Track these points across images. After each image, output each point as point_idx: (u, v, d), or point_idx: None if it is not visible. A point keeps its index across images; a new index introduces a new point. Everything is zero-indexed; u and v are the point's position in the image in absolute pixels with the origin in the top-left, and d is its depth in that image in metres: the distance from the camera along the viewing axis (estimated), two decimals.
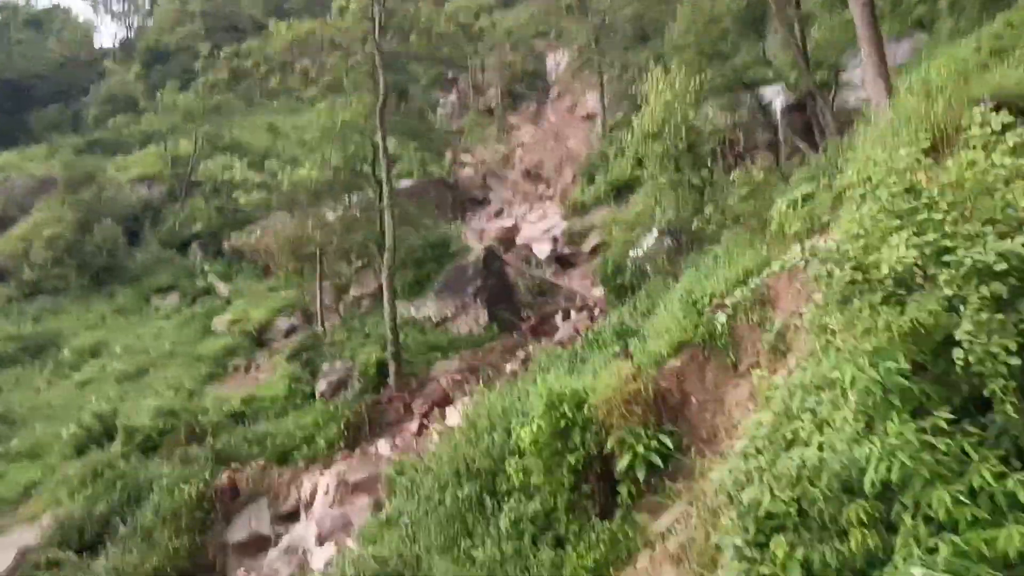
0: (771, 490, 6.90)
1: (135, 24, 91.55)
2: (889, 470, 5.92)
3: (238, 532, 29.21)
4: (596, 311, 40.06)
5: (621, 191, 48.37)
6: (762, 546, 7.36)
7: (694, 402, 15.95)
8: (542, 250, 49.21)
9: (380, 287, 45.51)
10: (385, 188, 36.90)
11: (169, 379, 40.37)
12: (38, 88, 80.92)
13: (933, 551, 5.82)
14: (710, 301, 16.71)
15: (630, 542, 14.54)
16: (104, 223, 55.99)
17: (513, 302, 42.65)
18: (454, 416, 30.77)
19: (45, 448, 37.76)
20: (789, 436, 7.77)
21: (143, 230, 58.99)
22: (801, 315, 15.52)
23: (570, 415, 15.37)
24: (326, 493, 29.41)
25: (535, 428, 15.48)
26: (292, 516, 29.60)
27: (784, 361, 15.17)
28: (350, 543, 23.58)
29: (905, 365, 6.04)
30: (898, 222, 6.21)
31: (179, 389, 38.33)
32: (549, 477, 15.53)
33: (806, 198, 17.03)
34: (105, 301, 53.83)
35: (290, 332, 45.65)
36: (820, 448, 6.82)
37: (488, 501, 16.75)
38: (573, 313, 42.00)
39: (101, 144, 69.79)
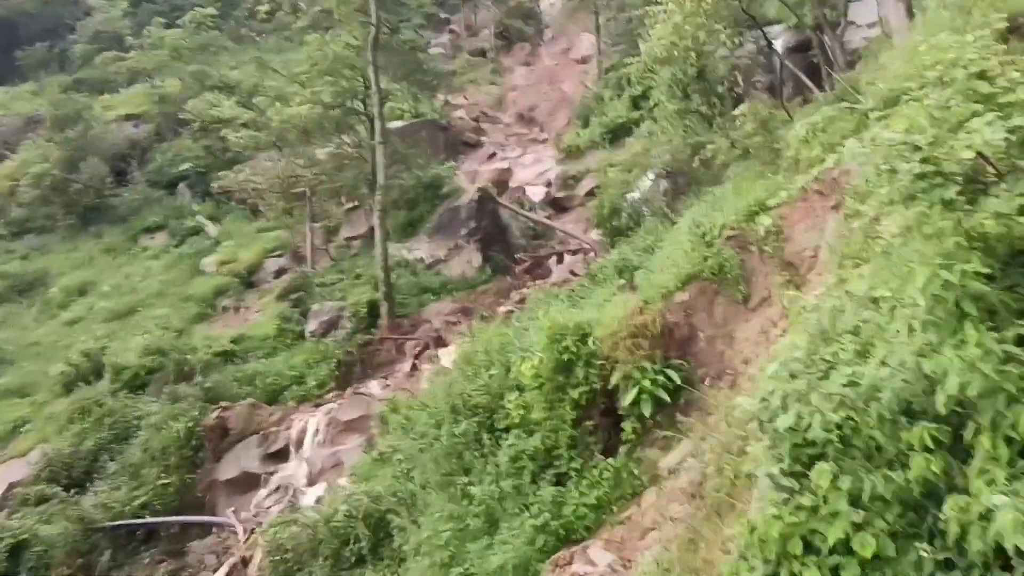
0: (820, 413, 6.31)
1: None
2: (966, 386, 5.34)
3: (227, 471, 28.81)
4: (591, 254, 39.45)
5: (617, 134, 47.69)
6: (799, 476, 6.82)
7: (702, 337, 15.45)
8: (536, 193, 48.51)
9: (371, 228, 44.81)
10: (377, 124, 36.11)
11: (158, 318, 39.71)
12: (24, 26, 79.10)
13: (1016, 477, 5.26)
14: (720, 233, 16.12)
15: (635, 480, 14.12)
16: (91, 162, 54.95)
17: (507, 244, 42.07)
18: (447, 357, 30.30)
19: (33, 386, 37.40)
20: (828, 358, 7.18)
21: (130, 169, 57.87)
22: (816, 248, 15.07)
23: (573, 349, 14.84)
24: (316, 433, 28.98)
25: (537, 362, 14.96)
26: (282, 455, 29.18)
27: (798, 296, 14.66)
28: (342, 481, 23.20)
29: (983, 269, 5.43)
30: (977, 107, 5.59)
31: (168, 328, 37.66)
32: (550, 413, 15.05)
33: (827, 122, 16.32)
34: (93, 240, 53.07)
35: (280, 273, 44.98)
36: (883, 363, 6.22)
37: (486, 438, 16.25)
38: (567, 256, 41.50)
39: (88, 83, 68.34)
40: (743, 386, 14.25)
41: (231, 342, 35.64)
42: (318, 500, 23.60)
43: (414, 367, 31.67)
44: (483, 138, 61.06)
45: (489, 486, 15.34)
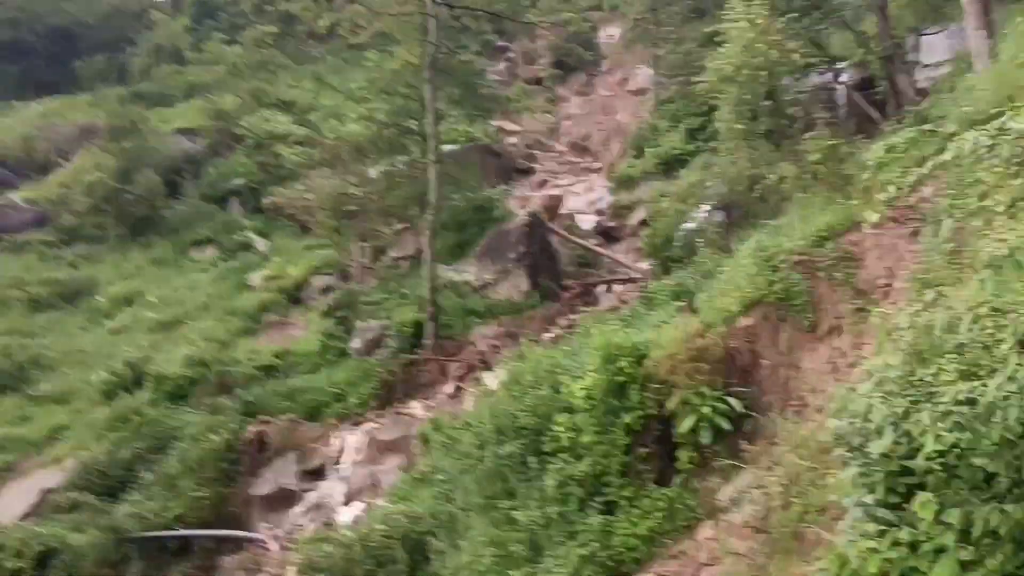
0: (931, 434, 5.56)
1: None
2: None
3: (263, 486, 28.29)
4: (642, 284, 38.71)
5: (671, 165, 47.07)
6: (893, 507, 6.07)
7: (765, 364, 14.69)
8: (586, 222, 48.09)
9: (420, 249, 44.43)
10: (431, 143, 35.72)
11: (202, 330, 39.48)
12: (85, 37, 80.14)
13: None
14: (786, 257, 15.36)
15: (690, 512, 13.38)
16: (145, 173, 55.19)
17: (555, 271, 41.42)
18: (492, 381, 29.66)
19: (74, 393, 37.11)
20: (928, 378, 6.44)
21: (183, 182, 58.06)
22: (892, 273, 14.27)
23: (629, 370, 14.16)
24: (356, 451, 28.44)
25: (590, 382, 14.26)
26: (319, 473, 28.67)
27: (871, 326, 13.86)
28: (380, 500, 22.57)
29: None
30: None
31: (211, 340, 37.39)
32: (601, 437, 14.35)
33: (908, 144, 15.56)
34: (142, 251, 53.08)
35: (326, 291, 44.52)
36: (1010, 378, 5.47)
37: (532, 461, 15.55)
38: (616, 286, 40.90)
39: (145, 95, 68.93)
40: (811, 417, 13.48)
41: (274, 356, 35.26)
42: (355, 520, 22.96)
43: (457, 389, 31.02)
44: (535, 165, 60.65)
45: (534, 511, 14.65)
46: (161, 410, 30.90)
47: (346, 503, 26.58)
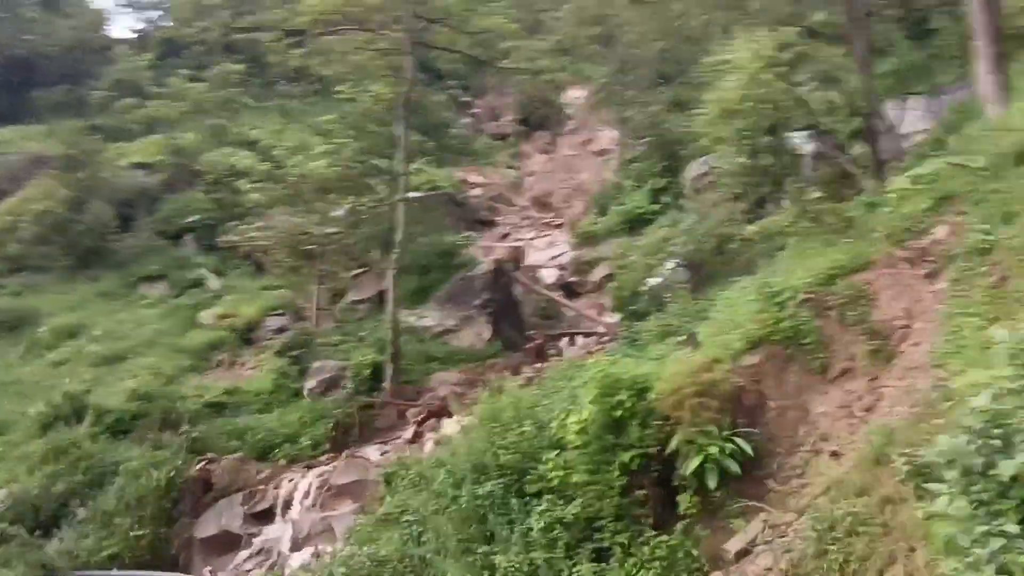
0: None
1: (153, 18, 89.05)
2: None
3: (207, 528, 26.61)
4: (606, 338, 37.97)
5: (634, 223, 46.81)
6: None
7: (772, 407, 13.67)
8: (548, 276, 47.51)
9: (379, 293, 43.39)
10: (401, 181, 34.75)
11: (148, 365, 37.75)
12: (45, 68, 78.14)
13: None
14: (793, 296, 14.48)
15: (693, 561, 12.19)
16: (96, 205, 53.54)
17: (518, 321, 40.55)
18: (452, 428, 28.42)
19: (10, 425, 35.03)
20: None
21: (137, 216, 56.42)
22: (910, 314, 13.43)
23: (628, 404, 13.03)
24: (307, 495, 26.87)
25: (585, 415, 13.11)
26: (267, 516, 27.02)
27: (887, 367, 12.99)
28: (338, 544, 21.05)
29: None
30: None
31: (158, 374, 35.68)
32: (595, 476, 13.17)
33: (932, 176, 14.90)
34: (89, 284, 51.22)
35: (280, 332, 43.16)
36: None
37: (514, 502, 14.30)
38: (580, 338, 40.08)
39: (103, 129, 66.98)
40: (824, 463, 12.49)
41: (223, 393, 33.72)
42: (304, 566, 21.40)
43: (417, 435, 29.67)
44: (497, 218, 60.32)
45: (516, 556, 13.38)
46: (101, 445, 29.01)
47: (294, 549, 24.97)
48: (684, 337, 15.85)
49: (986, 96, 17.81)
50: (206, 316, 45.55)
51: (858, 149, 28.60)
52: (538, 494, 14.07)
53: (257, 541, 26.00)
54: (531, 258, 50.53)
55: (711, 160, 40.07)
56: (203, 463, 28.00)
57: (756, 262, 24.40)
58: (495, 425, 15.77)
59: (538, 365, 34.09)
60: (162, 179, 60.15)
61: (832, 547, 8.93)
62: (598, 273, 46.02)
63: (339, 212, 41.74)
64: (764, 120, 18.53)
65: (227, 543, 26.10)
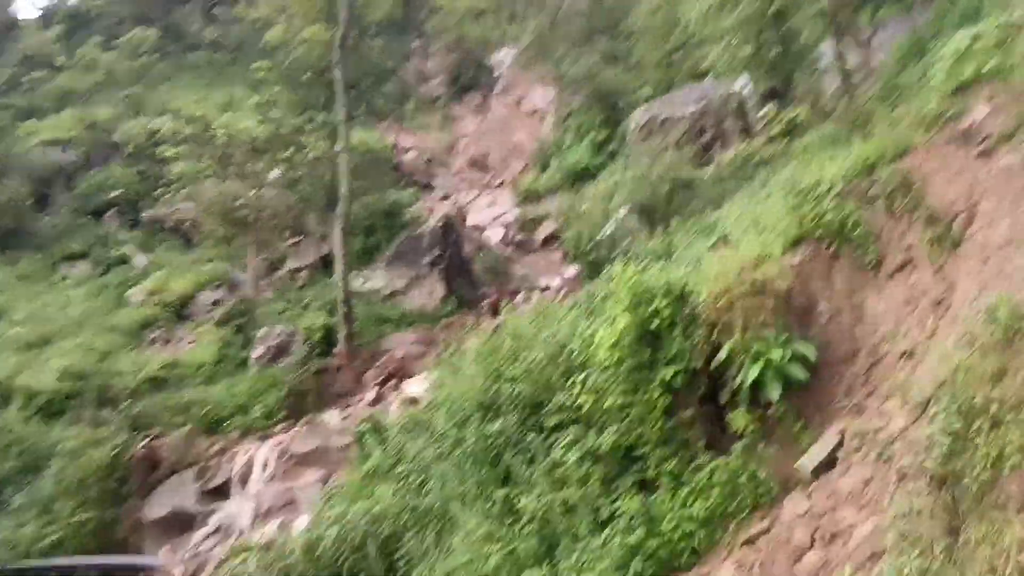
0: None
1: None
2: None
3: (157, 508, 24.38)
4: (562, 291, 36.39)
5: (578, 178, 45.43)
6: None
7: (823, 309, 12.00)
8: (494, 236, 45.73)
9: (321, 258, 41.26)
10: (341, 130, 32.51)
11: (79, 344, 34.94)
12: None
13: None
14: (830, 189, 12.81)
15: (759, 484, 10.48)
16: (10, 184, 50.09)
17: (471, 278, 38.63)
18: (415, 388, 26.53)
19: None
20: None
21: (54, 195, 53.08)
22: (970, 196, 11.89)
23: (667, 312, 11.23)
24: (265, 466, 24.73)
25: (621, 327, 11.27)
26: (222, 492, 24.86)
27: (955, 254, 11.42)
28: (304, 515, 19.04)
29: None
30: None
31: (90, 351, 32.98)
32: (632, 398, 11.35)
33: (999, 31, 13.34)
34: (7, 266, 47.82)
35: (216, 305, 40.61)
36: None
37: (532, 438, 12.44)
38: (537, 293, 38.37)
39: (14, 108, 63.39)
40: (896, 366, 10.91)
41: (163, 367, 31.25)
42: (268, 544, 19.30)
43: (379, 397, 27.65)
44: (434, 181, 58.44)
45: (542, 496, 11.54)
46: (33, 427, 26.46)
47: (256, 524, 22.80)
48: (714, 240, 14.11)
49: None
50: (135, 293, 42.70)
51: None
52: (559, 426, 12.25)
53: (214, 519, 23.84)
54: (473, 219, 48.78)
55: (654, 107, 39.00)
56: (148, 440, 25.63)
57: (728, 194, 23.10)
58: (496, 359, 13.89)
59: (495, 323, 32.40)
60: (79, 155, 56.86)
61: (977, 440, 7.30)
62: (544, 230, 44.84)
63: (273, 174, 39.44)
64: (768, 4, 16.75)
65: (181, 523, 23.90)
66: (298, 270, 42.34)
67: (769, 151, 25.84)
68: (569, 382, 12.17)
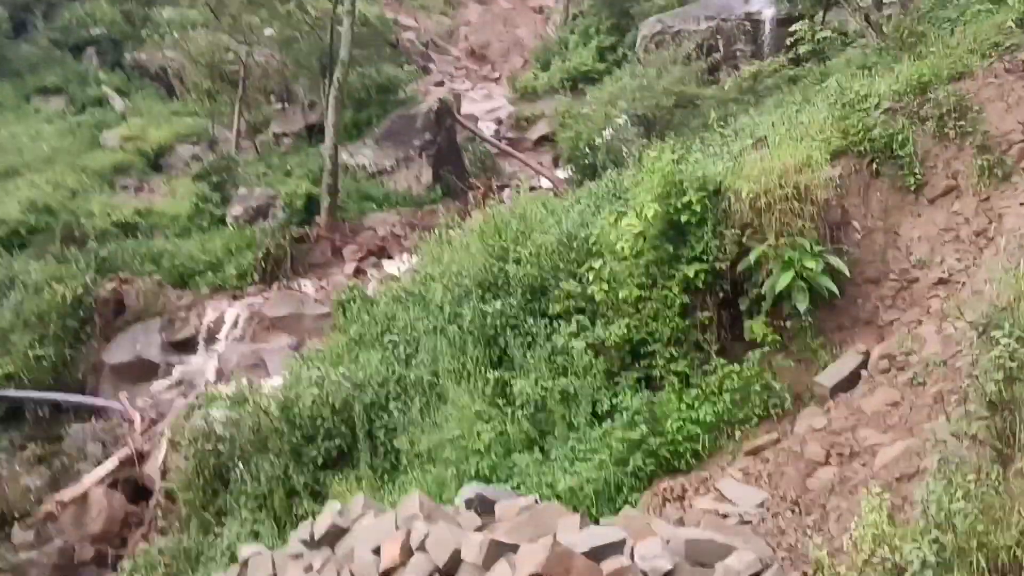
0: None
1: None
2: None
3: (119, 353, 23.64)
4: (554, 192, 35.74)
5: (578, 82, 44.27)
6: None
7: (857, 227, 11.44)
8: (485, 129, 44.64)
9: (307, 127, 39.95)
10: None
11: (48, 178, 33.70)
12: None
13: None
14: (879, 103, 12.14)
15: (773, 395, 10.03)
16: None
17: (460, 167, 37.61)
18: (395, 268, 25.89)
19: None
20: None
21: (33, 22, 50.79)
22: None
23: (698, 208, 10.60)
24: (235, 325, 24.09)
25: (648, 215, 10.62)
26: (188, 346, 24.19)
27: (1004, 186, 10.86)
28: (276, 376, 18.52)
29: None
30: None
31: (59, 187, 31.82)
32: (650, 292, 10.79)
33: None
34: None
35: (194, 160, 39.36)
36: None
37: (532, 322, 11.87)
38: (525, 190, 37.55)
39: None
40: (925, 294, 10.42)
41: (136, 213, 30.21)
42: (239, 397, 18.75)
43: (358, 271, 27.00)
44: (431, 65, 56.95)
45: (538, 383, 11.04)
46: None
47: (219, 381, 22.23)
48: (753, 141, 13.38)
49: None
50: (110, 137, 41.20)
51: None
52: (564, 314, 11.69)
53: (177, 371, 23.24)
54: (467, 109, 47.62)
55: (665, 18, 37.93)
56: (116, 283, 24.82)
57: (732, 116, 22.43)
58: (502, 238, 13.24)
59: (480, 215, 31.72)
60: None
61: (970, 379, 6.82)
62: (538, 130, 43.80)
63: (268, 32, 37.91)
64: None
65: (142, 371, 23.25)
66: (283, 136, 41.03)
67: (791, 71, 25.11)
68: (581, 269, 11.58)
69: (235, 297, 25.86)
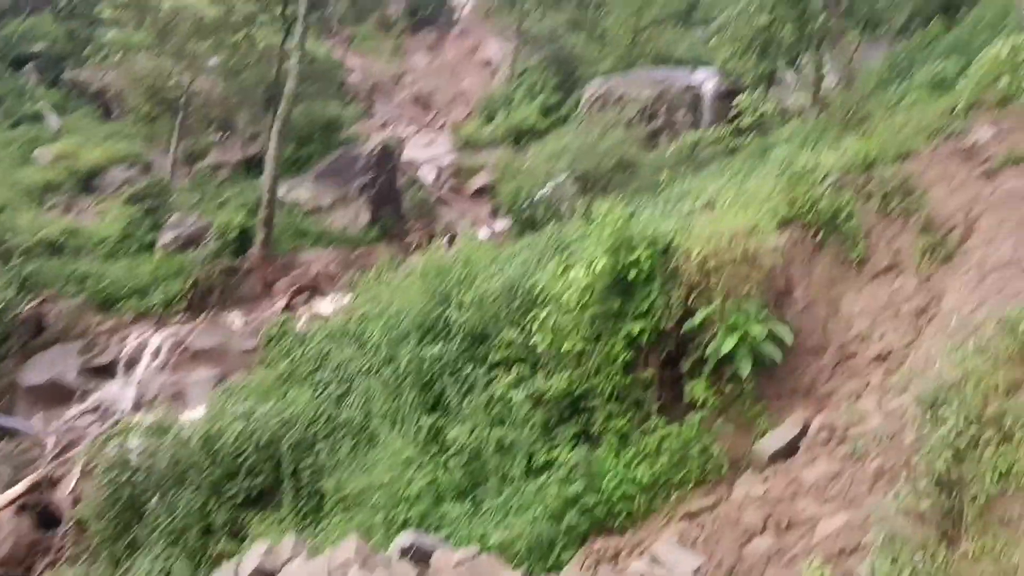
0: None
1: None
2: None
3: (35, 374, 22.82)
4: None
5: (522, 136, 44.80)
6: None
7: (798, 296, 11.49)
8: (426, 176, 44.73)
9: (244, 159, 39.47)
10: (299, 27, 30.91)
11: None
12: None
13: None
14: (825, 177, 12.30)
15: (710, 459, 9.93)
16: None
17: (399, 210, 37.44)
18: (327, 307, 25.53)
19: None
20: None
21: None
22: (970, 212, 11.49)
23: (647, 264, 10.55)
24: (157, 354, 23.40)
25: (598, 268, 10.54)
26: (106, 371, 23.42)
27: (949, 267, 11.02)
28: (197, 408, 17.94)
29: None
30: None
31: None
32: (593, 347, 10.67)
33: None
34: None
35: (127, 184, 38.52)
36: None
37: (473, 370, 11.66)
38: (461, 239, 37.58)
39: None
40: (867, 367, 10.47)
41: (63, 232, 29.32)
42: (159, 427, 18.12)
43: (289, 306, 26.51)
44: (375, 108, 57.00)
45: (474, 431, 10.80)
46: None
47: (136, 410, 21.54)
48: (702, 201, 13.41)
49: None
50: (43, 154, 40.26)
51: None
52: (504, 362, 11.50)
53: (94, 396, 22.47)
54: (408, 154, 47.63)
55: (610, 82, 38.55)
56: (36, 302, 24.01)
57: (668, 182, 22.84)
58: (444, 282, 13.05)
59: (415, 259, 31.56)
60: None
61: (986, 451, 6.79)
62: (478, 180, 44.02)
63: (213, 61, 37.49)
64: None
65: (58, 394, 22.41)
66: (220, 166, 40.44)
67: (731, 141, 25.62)
68: (525, 319, 11.42)
69: (160, 325, 25.19)
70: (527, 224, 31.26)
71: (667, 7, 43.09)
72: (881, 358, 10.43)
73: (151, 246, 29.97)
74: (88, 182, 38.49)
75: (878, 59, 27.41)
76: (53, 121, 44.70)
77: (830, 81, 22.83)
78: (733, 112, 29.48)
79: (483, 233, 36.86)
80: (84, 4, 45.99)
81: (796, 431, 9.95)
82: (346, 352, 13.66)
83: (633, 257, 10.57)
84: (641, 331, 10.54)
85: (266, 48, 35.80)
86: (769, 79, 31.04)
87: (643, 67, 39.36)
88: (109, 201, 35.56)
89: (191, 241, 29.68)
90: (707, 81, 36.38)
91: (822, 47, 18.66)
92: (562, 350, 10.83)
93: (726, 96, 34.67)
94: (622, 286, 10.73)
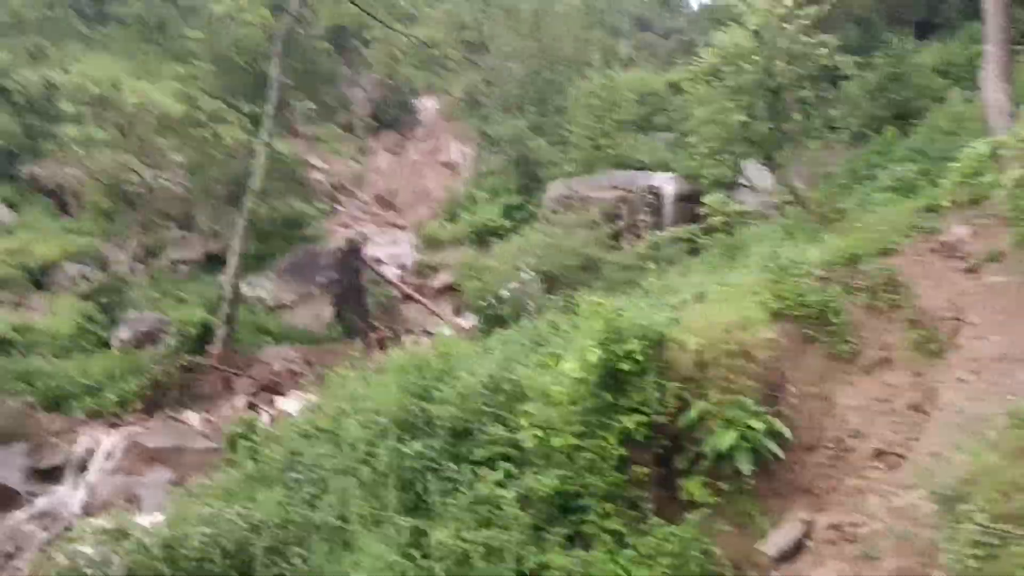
0: None
1: None
2: None
3: None
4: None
5: (484, 236, 44.88)
6: None
7: (791, 392, 11.11)
8: (388, 275, 44.54)
9: (204, 255, 38.99)
10: (267, 123, 30.79)
11: None
12: None
13: None
14: (810, 272, 12.10)
15: (712, 560, 9.38)
16: None
17: (363, 308, 37.00)
18: (290, 406, 24.75)
19: None
20: None
21: None
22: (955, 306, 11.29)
23: (640, 357, 10.13)
24: (109, 456, 22.39)
25: (591, 361, 10.09)
26: (53, 475, 22.34)
27: (936, 361, 10.74)
28: (155, 513, 16.95)
29: None
30: None
31: None
32: (585, 443, 10.15)
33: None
34: None
35: (82, 280, 37.67)
36: None
37: (456, 469, 11.05)
38: (424, 338, 37.12)
39: None
40: (863, 463, 10.07)
41: (12, 328, 28.38)
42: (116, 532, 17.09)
43: (251, 405, 25.67)
44: (339, 207, 57.03)
45: (459, 533, 10.15)
46: None
47: (86, 515, 20.40)
48: (689, 294, 13.08)
49: (991, 105, 16.18)
50: None
51: None
52: (489, 460, 10.93)
53: (41, 501, 21.32)
54: (372, 253, 47.51)
55: (573, 183, 38.90)
56: None
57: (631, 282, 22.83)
58: (423, 377, 12.51)
59: (380, 358, 30.97)
60: None
61: (1011, 547, 6.37)
62: (442, 278, 43.91)
63: (175, 158, 37.17)
64: (769, 79, 16.12)
65: (1, 499, 21.23)
66: (180, 262, 39.89)
67: (698, 240, 25.76)
68: (510, 414, 10.90)
69: (113, 425, 24.27)
70: (494, 321, 30.91)
71: (627, 114, 43.64)
72: (879, 454, 10.06)
73: (107, 343, 29.11)
74: (41, 277, 37.51)
75: (835, 163, 27.92)
76: (5, 215, 43.90)
77: (794, 182, 23.10)
78: (701, 212, 29.81)
79: (447, 331, 36.49)
80: (43, 101, 45.58)
81: (800, 530, 9.46)
82: (319, 450, 12.97)
83: (626, 349, 10.18)
84: (637, 426, 10.07)
85: (232, 144, 35.59)
86: (731, 182, 31.53)
87: (605, 170, 39.71)
88: (63, 297, 34.69)
89: (149, 337, 28.89)
90: (667, 184, 36.86)
91: (791, 146, 18.72)
92: (553, 446, 10.31)
93: (686, 199, 35.19)
94: (614, 380, 10.30)
